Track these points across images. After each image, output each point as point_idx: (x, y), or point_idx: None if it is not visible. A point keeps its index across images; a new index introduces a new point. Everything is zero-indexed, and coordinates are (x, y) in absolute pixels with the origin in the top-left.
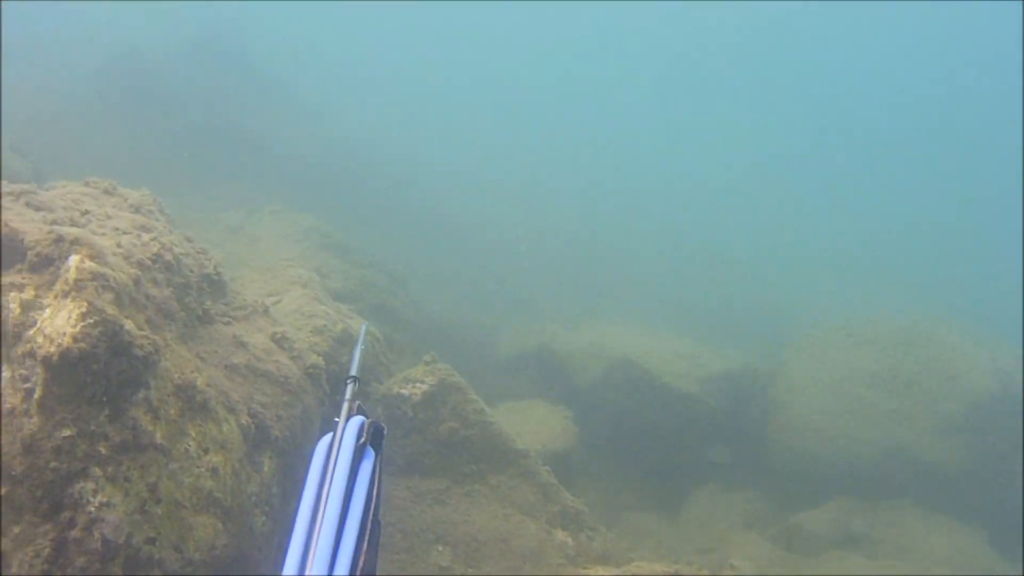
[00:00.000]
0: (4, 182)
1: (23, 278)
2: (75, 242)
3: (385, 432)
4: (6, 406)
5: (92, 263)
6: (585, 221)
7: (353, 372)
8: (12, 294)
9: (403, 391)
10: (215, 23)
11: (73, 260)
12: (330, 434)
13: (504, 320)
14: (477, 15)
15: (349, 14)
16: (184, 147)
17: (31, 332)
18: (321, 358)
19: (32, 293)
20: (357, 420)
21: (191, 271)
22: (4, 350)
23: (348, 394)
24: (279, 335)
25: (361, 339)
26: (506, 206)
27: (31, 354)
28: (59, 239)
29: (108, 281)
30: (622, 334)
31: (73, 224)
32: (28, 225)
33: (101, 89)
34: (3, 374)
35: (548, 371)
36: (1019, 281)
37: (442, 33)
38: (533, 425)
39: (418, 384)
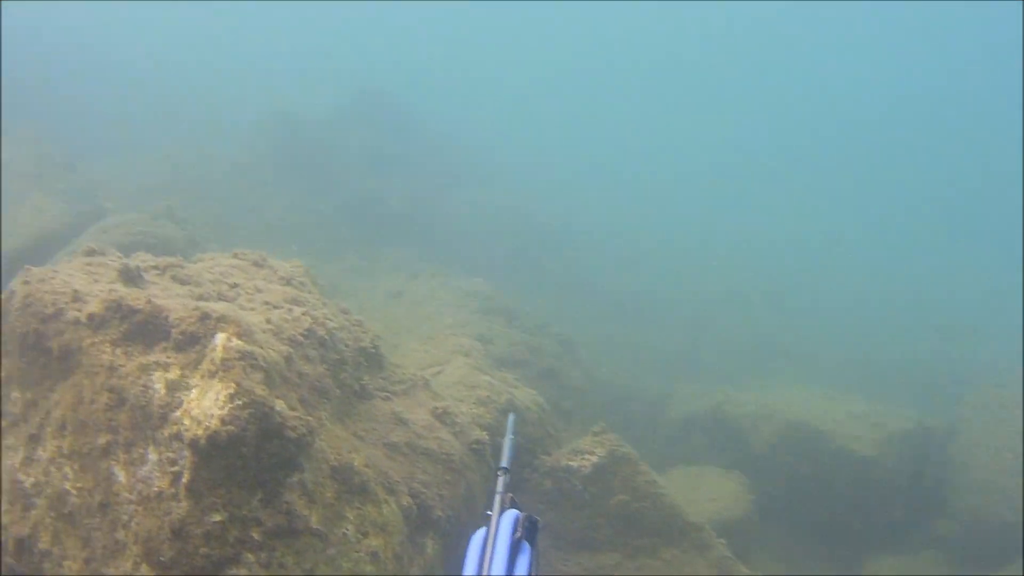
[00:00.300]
0: (149, 256)
1: (168, 357)
2: (221, 319)
3: (540, 525)
4: (154, 489)
5: (240, 341)
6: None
7: (504, 463)
8: (157, 373)
9: (572, 463)
10: (374, 85)
11: (220, 339)
12: (483, 529)
13: (674, 382)
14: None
15: (517, 81)
16: (344, 211)
17: (177, 414)
18: (485, 432)
19: (178, 373)
20: (511, 514)
21: (346, 345)
22: (148, 432)
23: (500, 487)
24: (441, 410)
25: (510, 429)
26: (679, 266)
27: (178, 436)
28: (205, 316)
29: (257, 360)
30: (796, 394)
31: (221, 298)
32: (173, 301)
33: (260, 154)
34: (150, 456)
35: (720, 434)
36: None
37: (611, 109)
38: (706, 491)
39: (587, 456)
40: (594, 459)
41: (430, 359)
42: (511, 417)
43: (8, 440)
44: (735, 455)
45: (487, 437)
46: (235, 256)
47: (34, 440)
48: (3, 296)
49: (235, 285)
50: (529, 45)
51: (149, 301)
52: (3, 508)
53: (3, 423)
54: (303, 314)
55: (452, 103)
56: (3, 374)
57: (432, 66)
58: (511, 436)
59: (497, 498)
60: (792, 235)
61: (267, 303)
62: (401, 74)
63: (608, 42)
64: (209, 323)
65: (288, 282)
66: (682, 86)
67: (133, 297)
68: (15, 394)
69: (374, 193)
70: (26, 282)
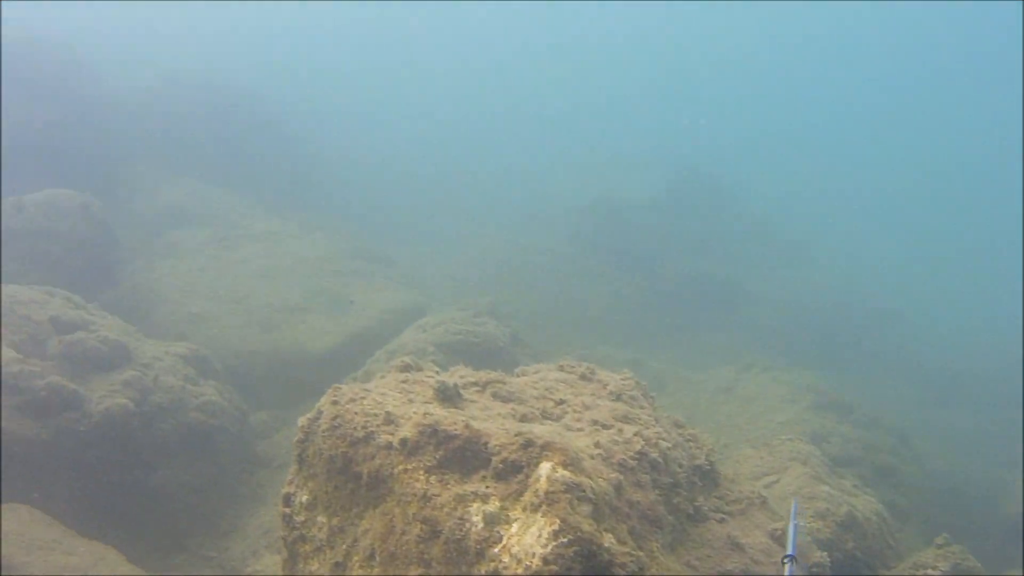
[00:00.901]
0: (468, 370)
1: (487, 487)
2: (546, 447)
3: None
4: None
5: (566, 472)
6: None
7: (790, 551)
8: (475, 505)
9: None
10: (688, 168)
11: (544, 469)
12: None
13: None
14: None
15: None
16: (666, 297)
17: (496, 550)
18: (825, 554)
19: (497, 505)
20: None
21: (680, 466)
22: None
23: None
24: (779, 531)
25: (794, 514)
26: None
27: (496, 574)
28: (528, 443)
29: (584, 492)
30: None
31: (546, 416)
32: (493, 425)
33: (581, 242)
34: None
35: None
36: None
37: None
38: None
39: (929, 571)
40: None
41: (765, 467)
42: (794, 502)
43: (312, 566)
44: None
45: (826, 559)
46: (561, 369)
47: (340, 568)
48: (310, 415)
49: (561, 402)
50: (842, 132)
51: (467, 426)
52: None
53: (308, 547)
54: (635, 435)
55: (771, 181)
56: (308, 496)
57: (752, 143)
58: (795, 523)
59: None
60: None
61: (595, 422)
62: (719, 153)
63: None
64: (533, 451)
65: (618, 397)
66: None
67: (450, 421)
68: (321, 518)
69: (695, 277)
70: (335, 402)
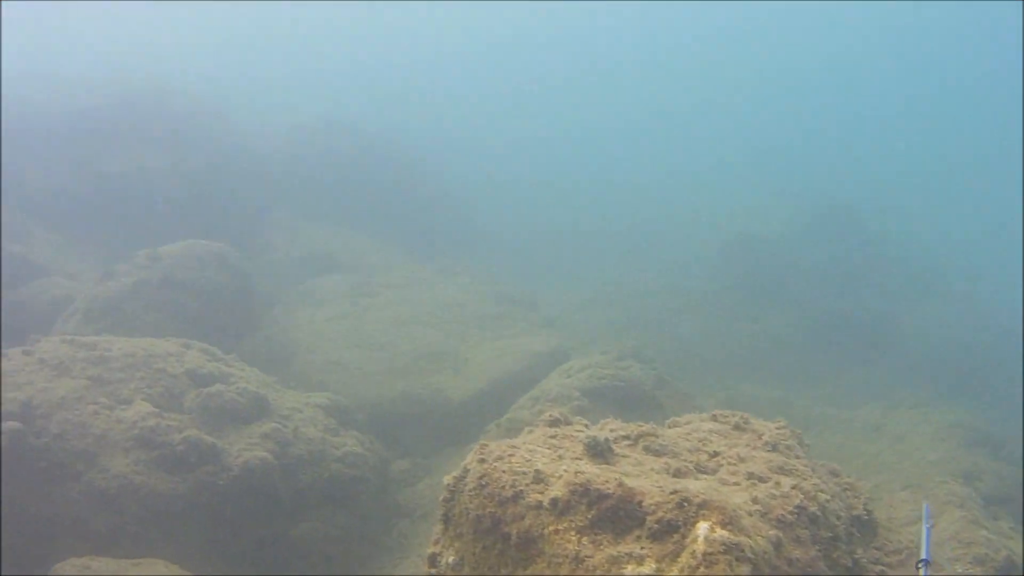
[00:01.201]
0: (618, 423)
1: (642, 547)
2: (703, 505)
3: None
4: None
5: (724, 531)
6: None
7: (924, 555)
8: (629, 567)
9: None
10: (826, 201)
11: (702, 530)
12: None
13: None
14: None
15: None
16: (810, 333)
17: None
18: None
19: (653, 566)
20: None
21: (838, 517)
22: None
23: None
24: None
25: (926, 518)
26: None
27: None
28: (684, 501)
29: (743, 551)
30: None
31: (699, 469)
32: (647, 482)
33: (722, 280)
34: None
35: None
36: None
37: None
38: None
39: None
40: None
41: (921, 510)
42: (926, 506)
43: None
44: None
45: None
46: (714, 418)
47: None
48: (456, 474)
49: (715, 454)
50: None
51: (620, 484)
52: None
53: None
54: (793, 488)
55: (917, 215)
56: (455, 557)
57: (893, 173)
58: (928, 525)
59: None
60: None
61: (751, 475)
62: (861, 183)
63: None
64: (689, 509)
65: (774, 447)
66: None
67: (602, 479)
68: None
69: (840, 312)
70: (482, 460)
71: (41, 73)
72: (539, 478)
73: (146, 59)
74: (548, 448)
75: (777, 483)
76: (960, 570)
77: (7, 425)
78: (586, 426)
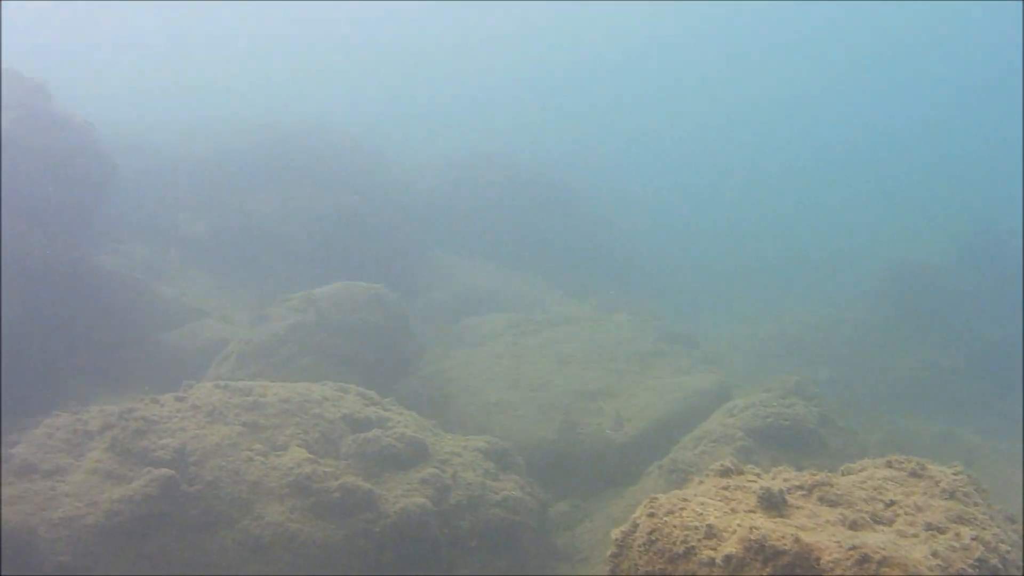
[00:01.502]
0: (792, 473)
1: None
2: (883, 562)
3: None
4: None
5: None
6: None
7: None
8: None
9: None
10: (983, 225)
11: None
12: None
13: None
14: None
15: None
16: (974, 364)
17: None
18: None
19: None
20: None
21: (1018, 568)
22: None
23: None
24: None
25: None
26: None
27: None
28: (864, 559)
29: None
30: None
31: (876, 520)
32: (823, 536)
33: (884, 310)
34: None
35: None
36: None
37: None
38: None
39: None
40: None
41: None
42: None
43: None
44: None
45: None
46: (889, 465)
47: None
48: (624, 528)
49: (891, 503)
50: None
51: (796, 539)
52: None
53: None
54: (973, 540)
55: None
56: None
57: None
58: None
59: None
60: None
61: (930, 525)
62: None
63: None
64: (869, 567)
65: (951, 495)
66: None
67: (778, 535)
68: None
69: (1002, 342)
70: (652, 514)
71: (188, 119)
72: (711, 533)
73: (290, 96)
74: (720, 500)
75: (957, 534)
76: None
77: (160, 472)
78: (758, 475)
